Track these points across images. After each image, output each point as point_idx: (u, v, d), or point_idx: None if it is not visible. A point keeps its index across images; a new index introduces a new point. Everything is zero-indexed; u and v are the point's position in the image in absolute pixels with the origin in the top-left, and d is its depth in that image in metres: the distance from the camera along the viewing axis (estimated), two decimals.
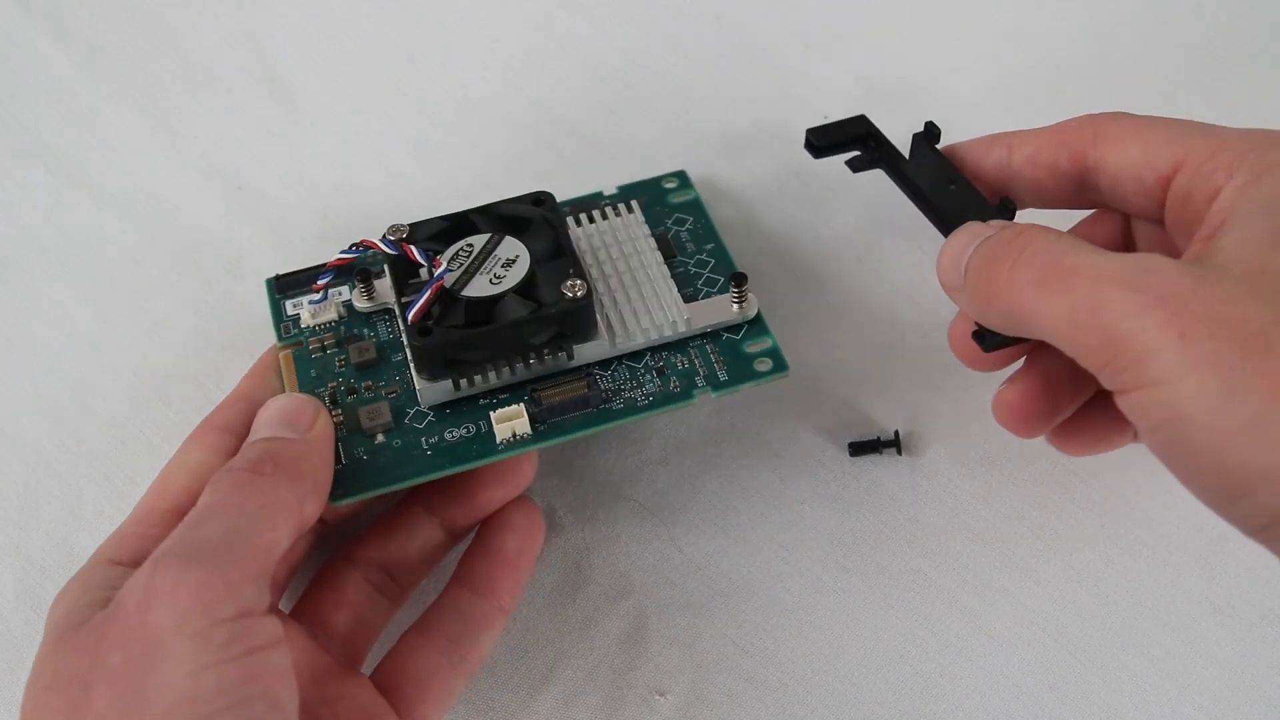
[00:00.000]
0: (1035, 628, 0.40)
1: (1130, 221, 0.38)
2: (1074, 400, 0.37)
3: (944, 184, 0.39)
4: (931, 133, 0.40)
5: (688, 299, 0.39)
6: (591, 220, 0.41)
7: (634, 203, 0.42)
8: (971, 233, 0.34)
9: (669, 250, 0.41)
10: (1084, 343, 0.30)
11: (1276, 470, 0.27)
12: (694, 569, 0.41)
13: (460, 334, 0.36)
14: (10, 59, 0.52)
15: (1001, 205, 0.37)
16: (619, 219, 0.41)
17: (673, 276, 0.40)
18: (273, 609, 0.31)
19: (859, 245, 0.47)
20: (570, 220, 0.41)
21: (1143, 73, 0.50)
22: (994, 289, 0.32)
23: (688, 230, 0.41)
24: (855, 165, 0.43)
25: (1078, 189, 0.37)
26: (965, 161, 0.39)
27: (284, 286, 0.42)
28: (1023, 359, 0.38)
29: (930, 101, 0.50)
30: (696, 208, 0.42)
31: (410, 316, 0.36)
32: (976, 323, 0.35)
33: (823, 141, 0.42)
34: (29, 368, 0.45)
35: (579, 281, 0.36)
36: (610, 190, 0.43)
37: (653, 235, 0.41)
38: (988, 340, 0.36)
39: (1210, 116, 0.49)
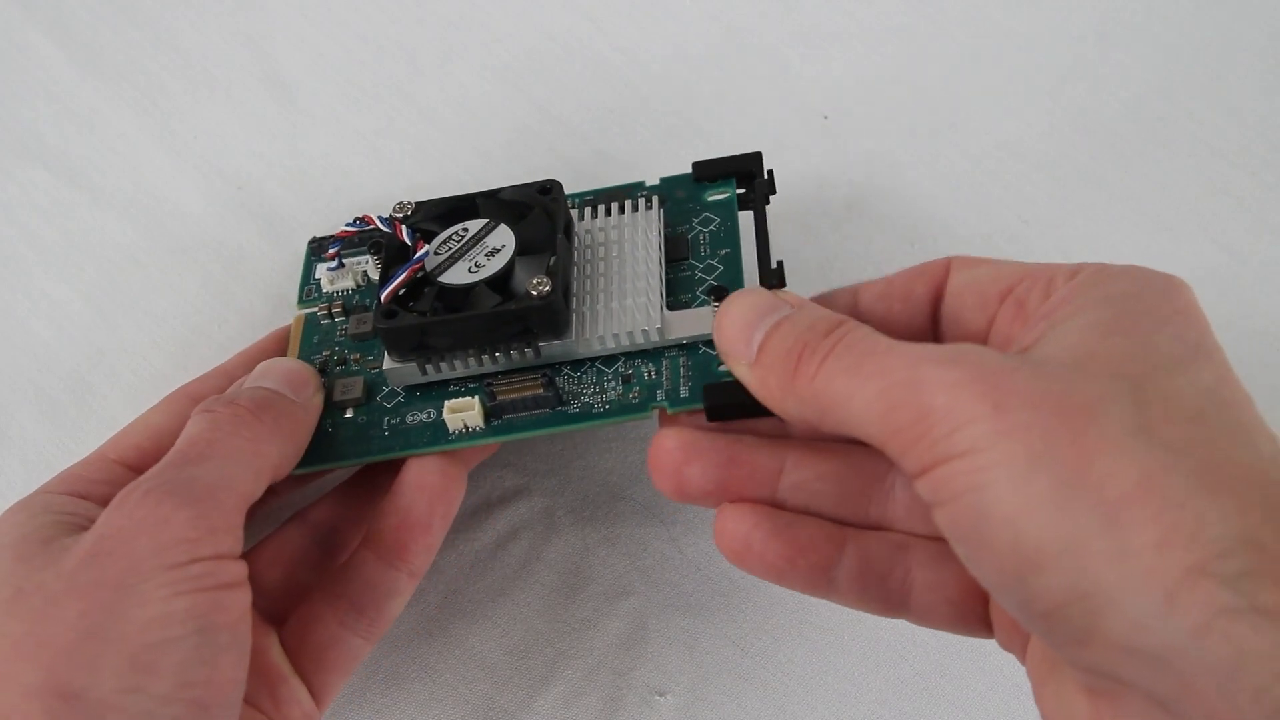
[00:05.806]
0: None
1: None
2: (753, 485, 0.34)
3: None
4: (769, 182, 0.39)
5: (678, 306, 0.37)
6: (609, 213, 0.40)
7: (654, 199, 0.40)
8: (766, 304, 0.32)
9: (680, 252, 0.39)
10: (894, 422, 0.28)
11: (1073, 545, 0.25)
12: (694, 569, 0.41)
13: (424, 321, 0.36)
14: (10, 59, 0.52)
15: (779, 267, 0.36)
16: (636, 214, 0.39)
17: (677, 280, 0.38)
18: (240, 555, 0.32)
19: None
20: (588, 210, 0.40)
21: (1145, 73, 0.50)
22: (801, 379, 0.30)
23: (710, 231, 0.39)
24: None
25: (928, 319, 0.35)
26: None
27: (318, 250, 0.42)
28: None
29: (931, 101, 0.50)
30: (728, 209, 0.40)
31: (382, 296, 0.36)
32: (708, 391, 0.34)
33: (704, 174, 0.40)
34: (29, 368, 0.45)
35: (544, 279, 0.35)
36: (653, 181, 0.41)
37: (664, 235, 0.39)
38: (714, 411, 0.34)
39: (1210, 116, 0.49)
